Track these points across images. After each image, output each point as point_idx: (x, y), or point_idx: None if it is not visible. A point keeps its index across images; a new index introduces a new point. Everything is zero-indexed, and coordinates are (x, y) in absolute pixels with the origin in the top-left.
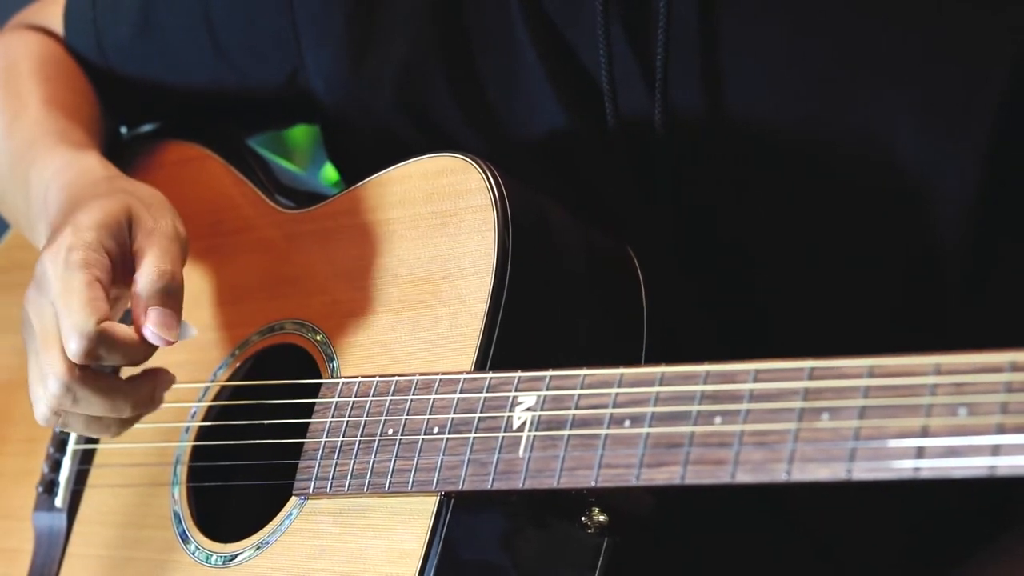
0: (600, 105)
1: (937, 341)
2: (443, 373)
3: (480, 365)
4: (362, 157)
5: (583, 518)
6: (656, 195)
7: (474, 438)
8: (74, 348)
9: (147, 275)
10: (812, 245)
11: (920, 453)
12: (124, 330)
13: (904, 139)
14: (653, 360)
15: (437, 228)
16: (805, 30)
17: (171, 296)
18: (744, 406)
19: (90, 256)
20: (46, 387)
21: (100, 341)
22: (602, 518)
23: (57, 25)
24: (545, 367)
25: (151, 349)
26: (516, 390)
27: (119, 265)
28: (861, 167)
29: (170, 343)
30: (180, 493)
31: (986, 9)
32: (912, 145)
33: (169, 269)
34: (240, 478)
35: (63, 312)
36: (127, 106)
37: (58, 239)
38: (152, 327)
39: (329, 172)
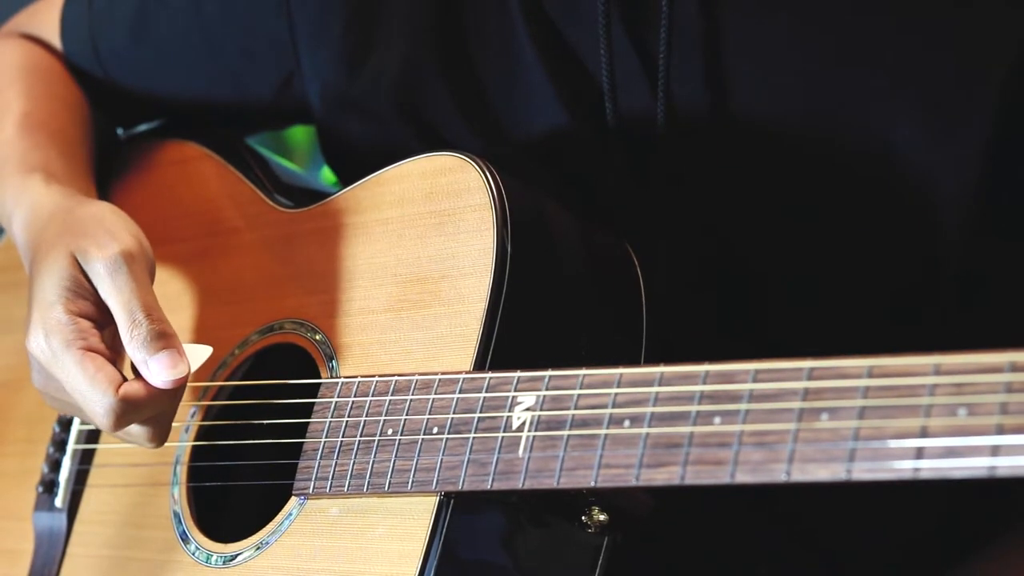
0: (600, 104)
1: (936, 338)
2: (442, 373)
3: (479, 365)
4: (358, 160)
5: (583, 517)
6: (655, 194)
7: (473, 438)
8: (108, 424)
9: (125, 334)
10: (812, 242)
11: (919, 454)
12: (142, 386)
13: (904, 136)
14: (652, 358)
15: (436, 227)
16: (806, 28)
17: (158, 338)
18: (743, 406)
19: (67, 333)
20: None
21: (126, 407)
22: (602, 517)
23: (48, 32)
24: (544, 366)
25: (176, 391)
26: (515, 390)
27: (98, 313)
28: (862, 164)
29: (186, 376)
30: (180, 493)
31: (987, 6)
32: (912, 142)
33: (141, 316)
34: (240, 478)
35: (79, 399)
36: (124, 110)
37: (32, 324)
38: (160, 377)
39: (329, 172)
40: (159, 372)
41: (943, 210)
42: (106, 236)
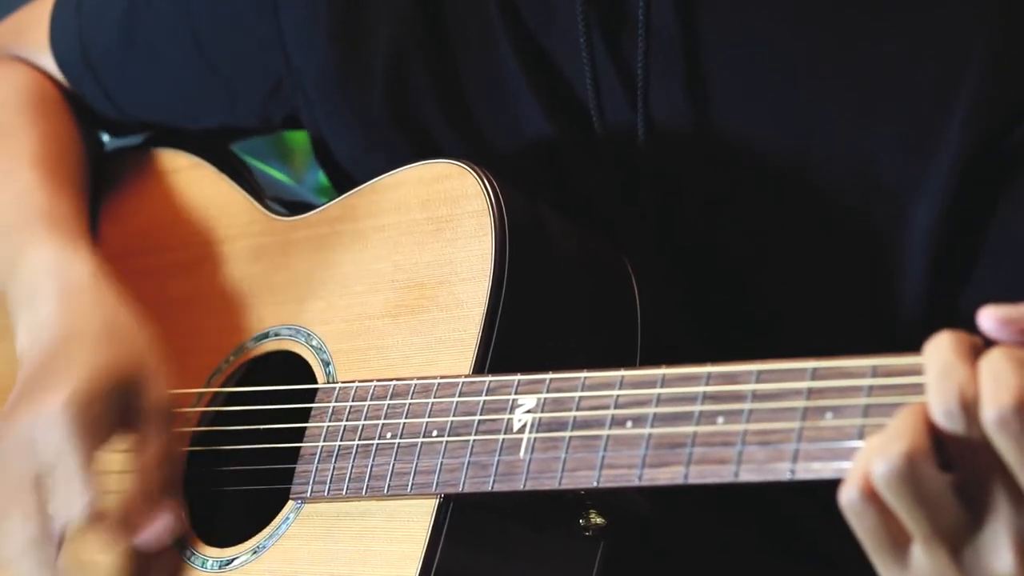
0: (585, 114)
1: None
2: (441, 377)
3: (478, 369)
4: (352, 166)
5: (581, 521)
6: (642, 203)
7: (474, 440)
8: (77, 511)
9: (152, 461)
10: (793, 250)
11: None
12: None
13: (881, 147)
14: (647, 362)
15: (433, 233)
16: (785, 38)
17: (172, 498)
18: (747, 406)
19: (93, 431)
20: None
21: (101, 516)
22: (599, 521)
23: (37, 50)
24: (542, 369)
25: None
26: (516, 393)
27: (115, 426)
28: (840, 175)
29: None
30: None
31: (960, 19)
32: (889, 153)
33: (173, 460)
34: (236, 483)
35: (59, 475)
36: (117, 118)
37: (49, 401)
38: (152, 532)
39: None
40: (162, 518)
41: (918, 220)
42: (160, 368)
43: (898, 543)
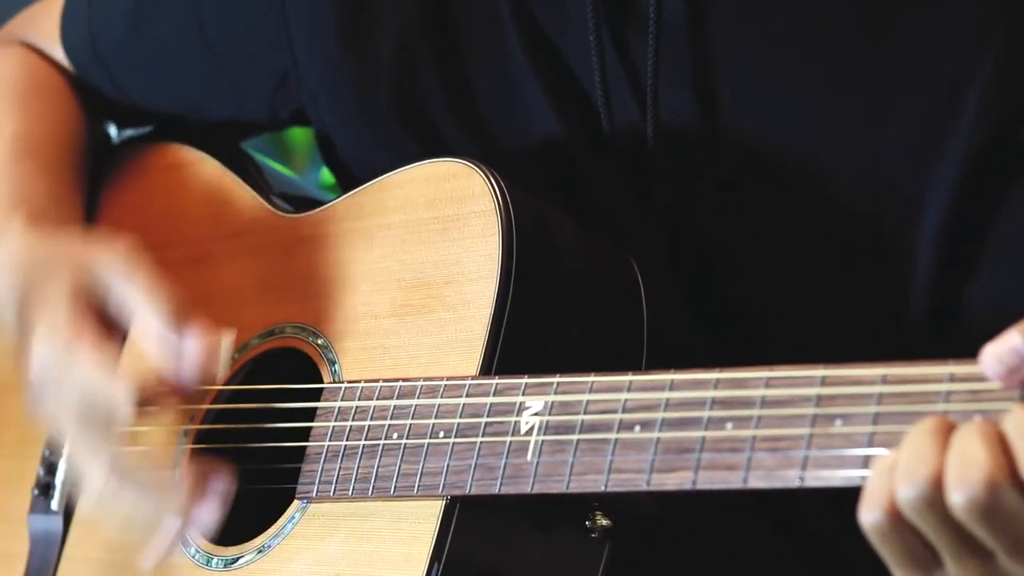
0: (594, 113)
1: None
2: (448, 378)
3: (485, 369)
4: (357, 162)
5: (587, 522)
6: (650, 203)
7: (481, 442)
8: (125, 409)
9: (149, 311)
10: (802, 250)
11: None
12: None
13: (892, 146)
14: (652, 365)
15: (440, 233)
16: (796, 40)
17: (188, 312)
18: (756, 412)
19: (80, 324)
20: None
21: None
22: (605, 522)
23: (47, 39)
24: (548, 371)
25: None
26: (523, 395)
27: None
28: (851, 174)
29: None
30: None
31: (971, 18)
32: (899, 152)
33: (166, 296)
34: (241, 481)
35: (94, 386)
36: (126, 110)
37: (38, 330)
38: (195, 345)
39: (327, 174)
40: (194, 340)
41: (925, 223)
42: (106, 241)
43: (923, 560)
